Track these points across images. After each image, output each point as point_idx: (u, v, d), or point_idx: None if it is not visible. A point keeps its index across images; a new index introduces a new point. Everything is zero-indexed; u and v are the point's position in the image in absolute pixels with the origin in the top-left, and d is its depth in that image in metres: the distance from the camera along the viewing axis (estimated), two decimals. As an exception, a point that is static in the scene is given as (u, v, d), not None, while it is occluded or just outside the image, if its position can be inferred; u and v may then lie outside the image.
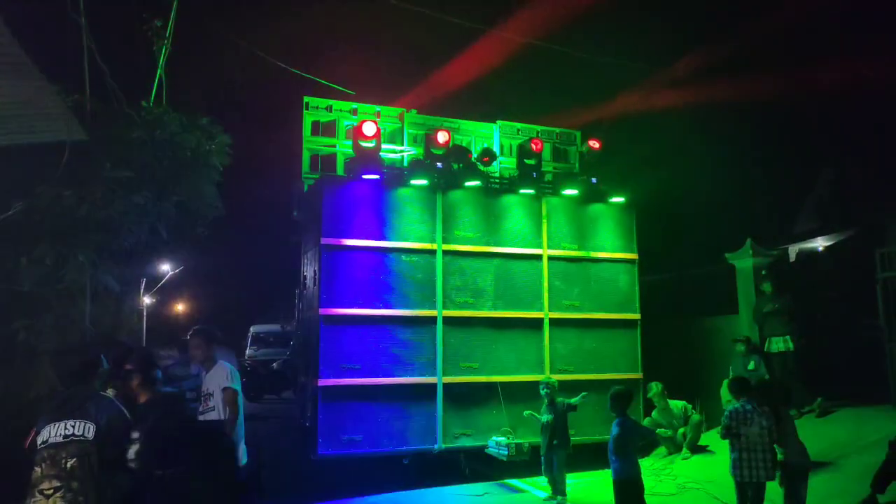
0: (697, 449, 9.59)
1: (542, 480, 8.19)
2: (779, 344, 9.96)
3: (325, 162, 10.01)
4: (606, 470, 7.28)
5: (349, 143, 9.57)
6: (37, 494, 3.93)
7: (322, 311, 8.34)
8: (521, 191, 9.55)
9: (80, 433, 4.03)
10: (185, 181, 7.95)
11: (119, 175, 7.15)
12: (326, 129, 10.02)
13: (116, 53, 8.22)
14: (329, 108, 9.96)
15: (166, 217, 7.67)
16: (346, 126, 9.82)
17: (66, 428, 4.03)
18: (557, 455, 7.71)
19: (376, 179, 8.82)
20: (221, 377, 5.35)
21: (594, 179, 10.16)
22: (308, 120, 9.86)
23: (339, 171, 9.63)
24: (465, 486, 8.61)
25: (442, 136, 9.21)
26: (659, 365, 10.52)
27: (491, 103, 12.09)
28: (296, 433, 9.78)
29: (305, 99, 9.91)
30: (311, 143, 9.88)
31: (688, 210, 12.78)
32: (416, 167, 9.05)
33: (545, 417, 7.84)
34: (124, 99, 7.78)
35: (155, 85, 9.35)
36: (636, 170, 11.65)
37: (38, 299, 8.05)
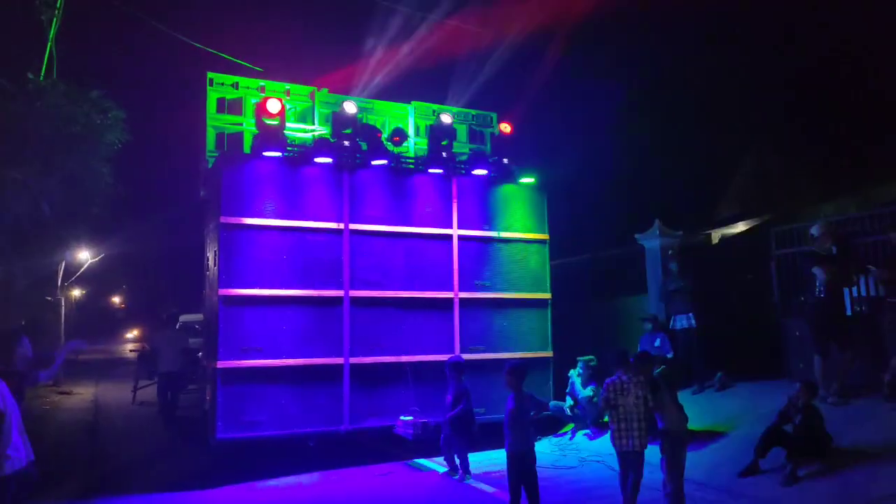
0: (603, 426, 9.78)
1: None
2: (682, 321, 10.27)
3: (231, 140, 9.75)
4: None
5: (275, 121, 9.27)
6: None
7: (221, 291, 8.12)
8: (431, 170, 9.51)
9: None
10: (73, 156, 7.55)
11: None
12: (233, 106, 9.74)
13: (-3, 21, 7.73)
14: (235, 85, 9.69)
15: (49, 193, 7.26)
16: (254, 104, 9.54)
17: None
18: (464, 432, 7.74)
19: (280, 157, 8.61)
20: None
21: (505, 160, 10.21)
22: (213, 97, 9.57)
23: (247, 149, 9.38)
24: (372, 466, 8.55)
25: (349, 107, 9.06)
26: (573, 344, 10.70)
27: (410, 86, 11.96)
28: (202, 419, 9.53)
29: (210, 75, 9.60)
30: (216, 121, 9.62)
31: (604, 192, 13.00)
32: (321, 146, 8.88)
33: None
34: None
35: (46, 57, 8.88)
36: (550, 150, 11.80)
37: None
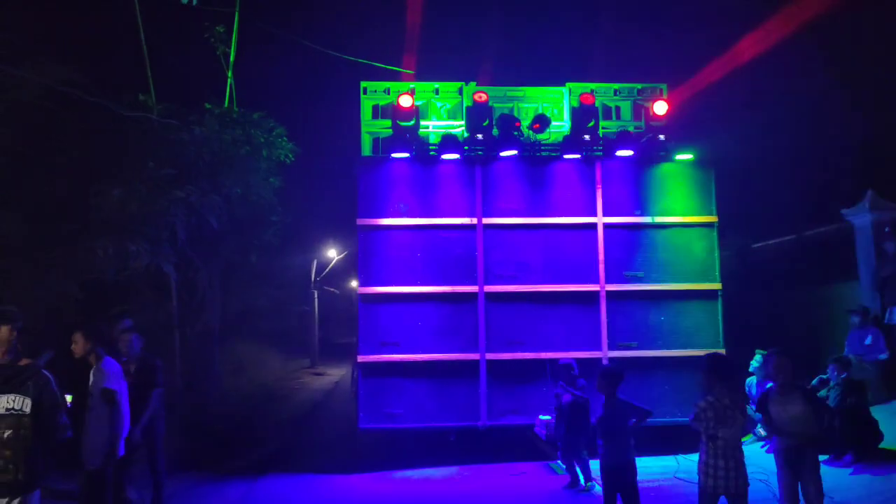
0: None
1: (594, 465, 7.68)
2: (900, 314, 8.36)
3: (385, 145, 10.20)
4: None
5: (409, 122, 9.55)
6: None
7: (359, 289, 8.59)
8: (566, 156, 8.96)
9: (19, 407, 4.52)
10: (232, 174, 8.58)
11: (162, 173, 7.96)
12: (386, 111, 10.17)
13: (175, 58, 9.07)
14: (387, 91, 10.08)
15: (214, 208, 8.34)
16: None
17: (7, 402, 4.54)
18: (579, 440, 7.21)
19: (412, 156, 8.83)
20: (100, 378, 5.44)
21: (662, 136, 9.21)
22: (367, 104, 10.09)
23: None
24: (507, 464, 8.39)
25: (480, 99, 8.91)
26: (765, 341, 9.32)
27: (573, 65, 11.38)
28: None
29: (363, 84, 10.14)
30: (371, 127, 10.09)
31: (808, 163, 11.00)
32: (448, 142, 8.88)
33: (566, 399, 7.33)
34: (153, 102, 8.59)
35: (228, 86, 10.23)
36: (729, 119, 10.37)
37: (128, 287, 9.27)
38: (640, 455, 7.79)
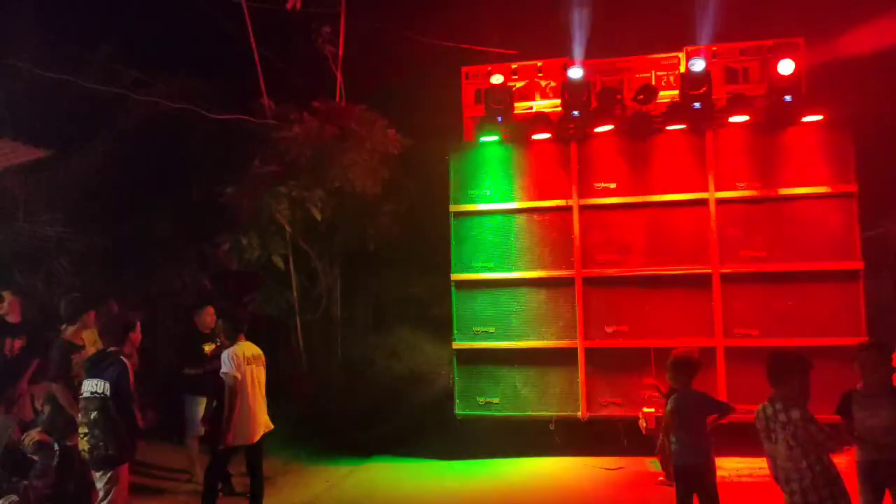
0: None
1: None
2: None
3: (479, 128, 10.03)
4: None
5: (502, 103, 9.34)
6: (78, 435, 5.22)
7: (452, 276, 8.56)
8: (669, 127, 8.21)
9: (101, 391, 5.08)
10: (334, 168, 8.95)
11: (266, 170, 8.51)
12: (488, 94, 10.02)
13: (285, 60, 9.65)
14: (489, 74, 9.91)
15: (316, 201, 8.77)
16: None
17: (93, 385, 5.12)
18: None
19: (502, 139, 8.61)
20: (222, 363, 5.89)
21: (787, 97, 8.13)
22: (469, 90, 9.98)
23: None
24: (607, 458, 7.94)
25: (574, 74, 8.43)
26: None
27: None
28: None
29: (464, 69, 10.05)
30: (473, 112, 9.97)
31: None
32: (539, 121, 8.52)
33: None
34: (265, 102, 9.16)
35: (338, 86, 10.70)
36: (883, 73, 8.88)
37: (254, 277, 10.06)
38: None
